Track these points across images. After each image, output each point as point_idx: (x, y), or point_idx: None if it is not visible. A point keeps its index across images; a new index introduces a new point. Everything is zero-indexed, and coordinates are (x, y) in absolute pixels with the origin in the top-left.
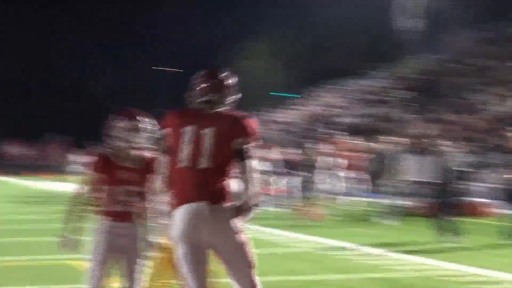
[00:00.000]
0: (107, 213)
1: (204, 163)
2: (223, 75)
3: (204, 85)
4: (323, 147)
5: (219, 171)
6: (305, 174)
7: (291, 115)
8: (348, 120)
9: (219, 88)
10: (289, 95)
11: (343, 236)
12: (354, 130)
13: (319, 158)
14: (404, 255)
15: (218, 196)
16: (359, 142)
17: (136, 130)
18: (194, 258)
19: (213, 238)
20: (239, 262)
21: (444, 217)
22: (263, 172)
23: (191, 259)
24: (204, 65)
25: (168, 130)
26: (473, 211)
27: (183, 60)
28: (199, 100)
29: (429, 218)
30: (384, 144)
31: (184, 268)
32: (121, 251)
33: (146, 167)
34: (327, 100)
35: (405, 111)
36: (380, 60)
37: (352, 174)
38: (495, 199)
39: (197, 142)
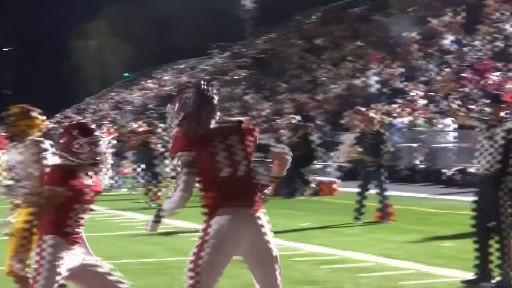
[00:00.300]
0: (64, 234)
1: (241, 169)
2: (212, 90)
3: (210, 106)
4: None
5: (252, 175)
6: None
7: (140, 95)
8: None
9: (216, 105)
10: (127, 75)
11: (194, 218)
12: None
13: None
14: None
15: (257, 202)
16: None
17: (97, 144)
18: (222, 258)
19: (252, 243)
20: (273, 269)
21: (290, 195)
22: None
23: (218, 256)
24: (43, 44)
25: (192, 151)
26: (321, 190)
27: (26, 39)
28: (208, 121)
29: (273, 197)
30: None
31: (208, 258)
32: (77, 279)
33: (97, 185)
34: (172, 80)
35: (248, 90)
36: (224, 39)
37: None
38: (340, 178)
39: (229, 152)
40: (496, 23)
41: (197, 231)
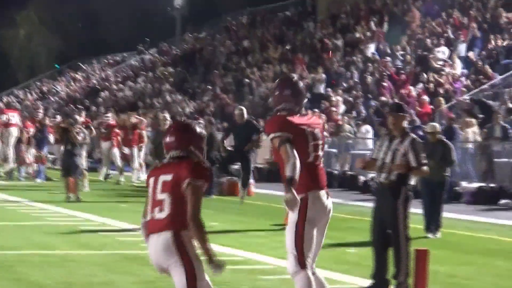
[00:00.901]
0: (187, 226)
1: (320, 158)
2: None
3: (304, 98)
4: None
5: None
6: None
7: (67, 86)
8: (120, 94)
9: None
10: (55, 66)
11: (103, 212)
12: (124, 105)
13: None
14: None
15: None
16: (132, 117)
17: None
18: (314, 234)
19: (324, 219)
20: (320, 244)
21: (207, 194)
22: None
23: (313, 233)
24: None
25: (289, 134)
26: (233, 190)
27: None
28: (301, 110)
29: None
30: (157, 120)
31: (312, 234)
32: None
33: None
34: (99, 73)
35: (172, 88)
36: (153, 36)
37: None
38: (255, 179)
39: (315, 141)
40: (418, 34)
41: (104, 225)
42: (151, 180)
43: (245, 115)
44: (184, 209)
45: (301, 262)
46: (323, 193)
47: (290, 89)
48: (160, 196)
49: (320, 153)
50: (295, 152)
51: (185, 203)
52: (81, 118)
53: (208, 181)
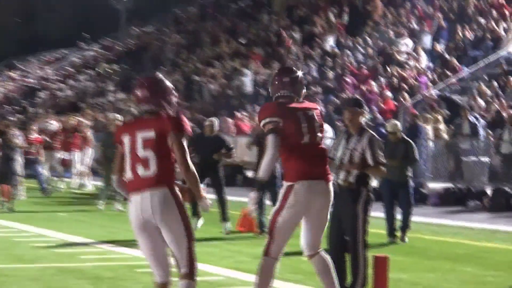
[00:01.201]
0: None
1: (318, 138)
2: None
3: (302, 81)
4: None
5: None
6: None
7: (2, 86)
8: (60, 94)
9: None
10: None
11: (40, 222)
12: (65, 106)
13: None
14: (102, 244)
15: (327, 173)
16: (74, 119)
17: None
18: (294, 221)
19: (318, 208)
20: (321, 228)
21: None
22: None
23: (294, 223)
24: None
25: (280, 119)
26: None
27: None
28: (300, 94)
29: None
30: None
31: (286, 225)
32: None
33: None
34: (37, 72)
35: (116, 86)
36: (95, 31)
37: (62, 153)
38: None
39: (310, 122)
40: (381, 26)
41: (40, 236)
42: (126, 137)
43: (216, 128)
44: (171, 164)
45: (266, 250)
46: (314, 183)
47: (289, 77)
48: (143, 153)
49: (319, 134)
50: (277, 144)
51: (171, 158)
52: (33, 134)
53: (189, 133)
